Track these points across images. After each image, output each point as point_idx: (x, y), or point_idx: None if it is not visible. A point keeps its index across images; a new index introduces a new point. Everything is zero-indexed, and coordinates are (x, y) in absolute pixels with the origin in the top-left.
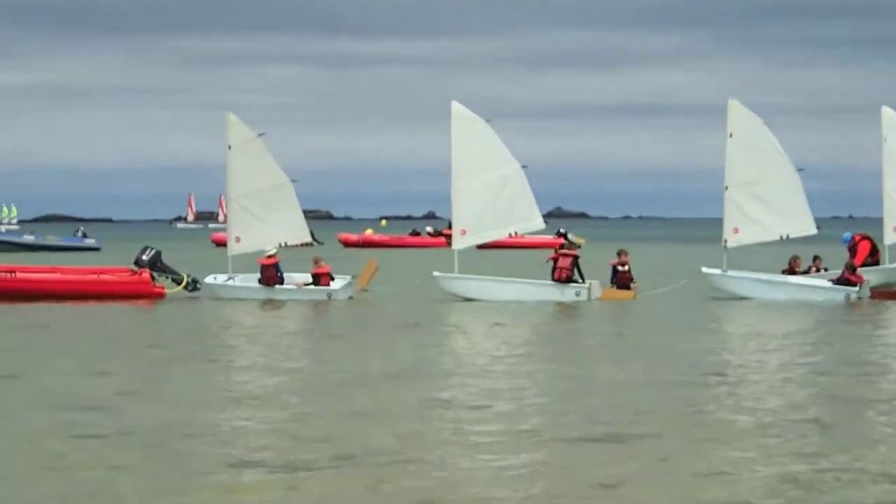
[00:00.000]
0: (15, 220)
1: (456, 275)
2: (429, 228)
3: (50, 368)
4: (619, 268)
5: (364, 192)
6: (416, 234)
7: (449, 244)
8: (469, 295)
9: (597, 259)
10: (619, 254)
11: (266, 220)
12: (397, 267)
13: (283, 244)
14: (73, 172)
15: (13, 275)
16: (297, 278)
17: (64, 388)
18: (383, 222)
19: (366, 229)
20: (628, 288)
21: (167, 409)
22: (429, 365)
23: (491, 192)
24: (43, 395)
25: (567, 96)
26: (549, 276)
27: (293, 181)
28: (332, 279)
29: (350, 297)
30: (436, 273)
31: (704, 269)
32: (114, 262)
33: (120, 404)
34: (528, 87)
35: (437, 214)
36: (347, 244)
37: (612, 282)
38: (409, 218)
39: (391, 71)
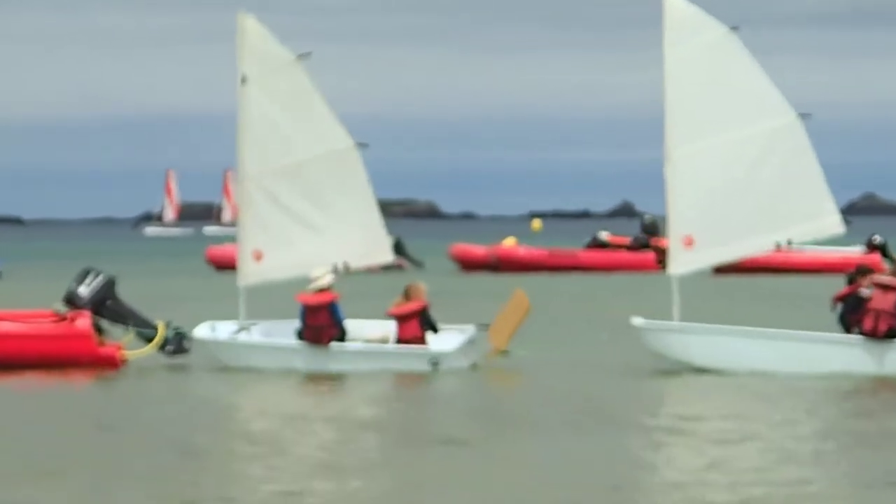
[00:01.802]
0: None
1: (676, 323)
2: (604, 234)
3: None
4: None
5: (498, 165)
6: (599, 245)
7: (661, 264)
8: (699, 360)
9: None
10: None
11: (311, 221)
12: (564, 307)
13: (341, 266)
14: None
15: None
16: (370, 330)
17: None
18: (536, 224)
19: (504, 237)
20: None
21: None
22: (625, 496)
23: (740, 166)
24: None
25: None
26: (842, 327)
27: (362, 146)
28: (433, 330)
29: (474, 365)
30: (637, 320)
31: None
32: (26, 299)
33: None
34: None
35: (638, 208)
36: (468, 264)
37: None
38: (584, 215)
39: None
